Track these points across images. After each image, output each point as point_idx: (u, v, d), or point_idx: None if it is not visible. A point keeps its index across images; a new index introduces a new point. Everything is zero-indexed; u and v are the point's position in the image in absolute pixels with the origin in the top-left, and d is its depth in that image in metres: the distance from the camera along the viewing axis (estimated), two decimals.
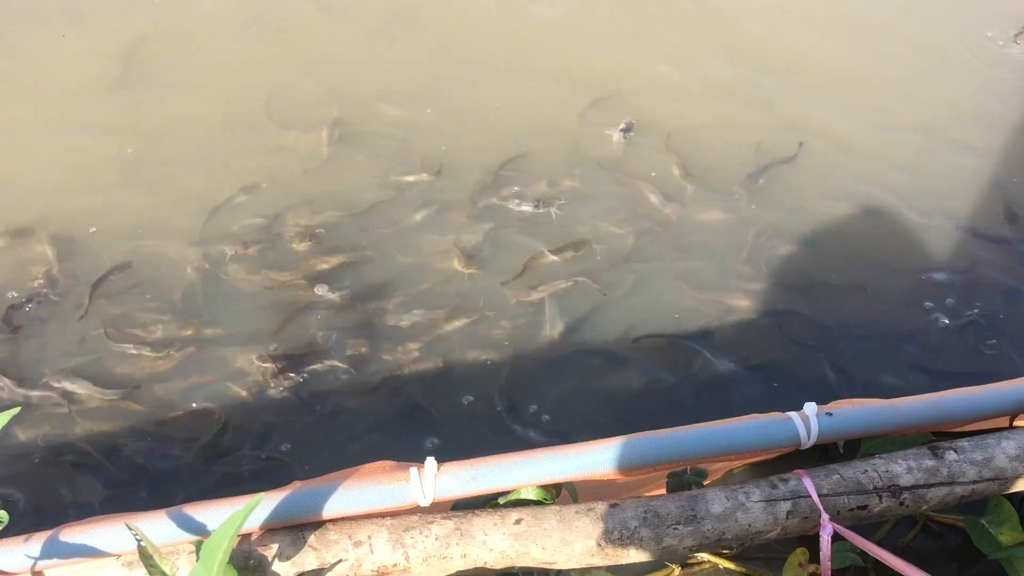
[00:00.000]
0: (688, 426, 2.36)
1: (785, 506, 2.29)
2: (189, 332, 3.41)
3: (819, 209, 4.10)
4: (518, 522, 2.20)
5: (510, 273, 3.70)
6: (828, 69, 4.97)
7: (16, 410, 2.04)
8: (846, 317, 3.63)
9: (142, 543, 1.94)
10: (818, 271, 3.83)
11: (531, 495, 2.32)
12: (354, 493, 2.14)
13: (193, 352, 3.36)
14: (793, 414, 2.43)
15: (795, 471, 2.39)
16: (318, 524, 2.17)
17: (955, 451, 2.43)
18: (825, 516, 2.28)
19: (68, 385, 3.19)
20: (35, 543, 2.02)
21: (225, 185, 4.01)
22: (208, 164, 4.15)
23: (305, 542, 2.14)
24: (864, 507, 2.34)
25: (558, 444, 2.30)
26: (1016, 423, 2.67)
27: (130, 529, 1.96)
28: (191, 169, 4.12)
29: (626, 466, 2.27)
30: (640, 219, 3.99)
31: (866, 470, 2.38)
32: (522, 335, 3.49)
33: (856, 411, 2.45)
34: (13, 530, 2.06)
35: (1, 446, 2.99)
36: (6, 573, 2.02)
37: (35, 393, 3.17)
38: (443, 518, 2.21)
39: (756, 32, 5.21)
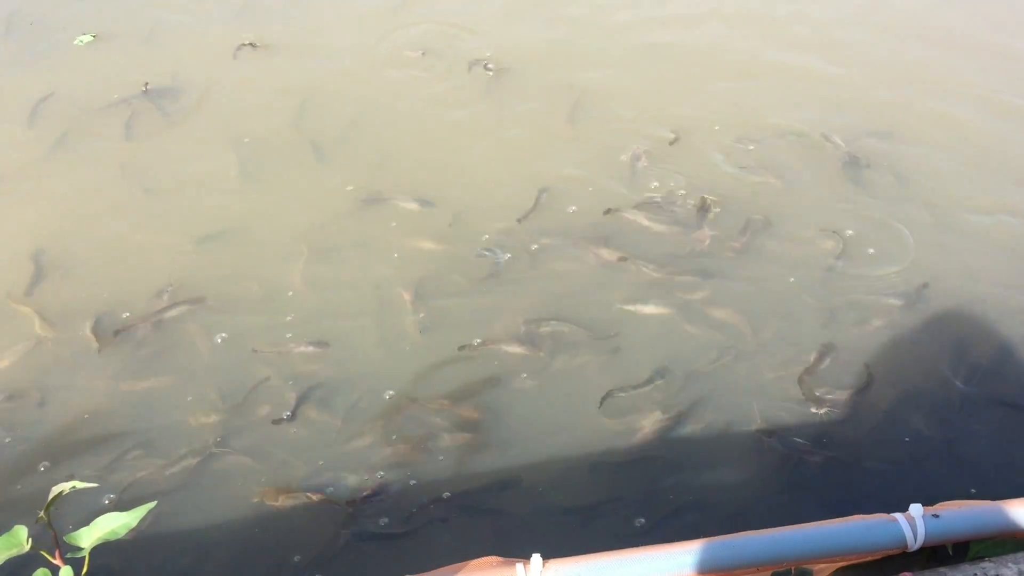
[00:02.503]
0: (793, 527, 2.38)
1: None
2: None
3: None
4: None
5: None
6: None
7: (152, 504, 2.17)
8: None
9: None
10: None
11: None
12: None
13: None
14: (899, 516, 2.42)
15: (903, 573, 2.37)
16: None
17: None
18: None
19: None
20: None
21: None
22: None
23: None
24: None
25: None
26: None
27: None
28: None
29: (731, 566, 2.29)
30: None
31: (975, 573, 2.35)
32: None
33: (963, 512, 2.43)
34: None
35: None
36: None
37: None
38: None
39: None
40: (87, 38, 6.11)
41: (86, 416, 3.61)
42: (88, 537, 2.07)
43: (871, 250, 4.28)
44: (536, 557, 2.25)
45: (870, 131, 5.08)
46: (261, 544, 3.14)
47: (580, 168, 4.84)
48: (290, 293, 4.10)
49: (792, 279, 4.13)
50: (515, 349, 3.78)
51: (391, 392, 3.64)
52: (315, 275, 4.19)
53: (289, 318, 3.97)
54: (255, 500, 3.27)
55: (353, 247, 4.36)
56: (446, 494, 3.25)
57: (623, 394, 3.61)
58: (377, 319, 3.97)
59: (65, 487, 2.03)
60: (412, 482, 3.31)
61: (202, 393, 3.68)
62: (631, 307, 3.97)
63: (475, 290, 4.10)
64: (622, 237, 4.37)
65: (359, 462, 3.39)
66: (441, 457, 3.41)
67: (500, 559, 2.32)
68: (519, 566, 2.25)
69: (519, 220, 4.43)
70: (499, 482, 3.31)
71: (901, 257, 4.24)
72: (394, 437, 3.47)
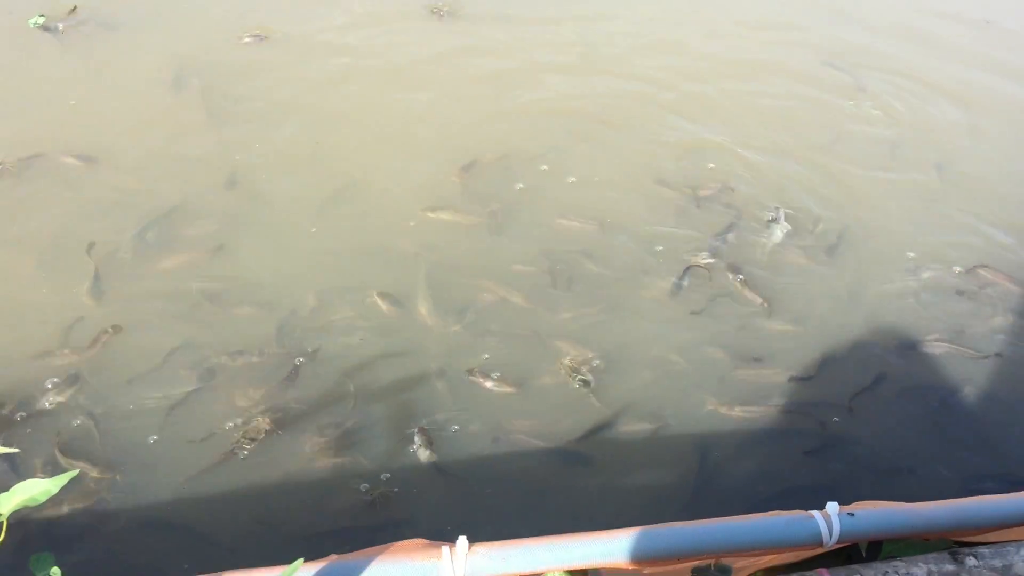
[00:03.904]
0: (712, 519, 2.43)
1: None
2: None
3: None
4: None
5: None
6: None
7: (74, 472, 2.15)
8: None
9: None
10: None
11: None
12: (387, 568, 2.22)
13: None
14: (816, 513, 2.48)
15: (817, 569, 2.43)
16: None
17: (975, 557, 2.48)
18: None
19: None
20: None
21: None
22: None
23: None
24: None
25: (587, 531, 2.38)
26: None
27: None
28: None
29: (650, 556, 2.33)
30: None
31: (887, 571, 2.43)
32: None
33: (878, 513, 2.51)
34: None
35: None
36: None
37: None
38: None
39: None
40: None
41: None
42: (6, 503, 2.03)
43: None
44: (462, 539, 2.27)
45: None
46: None
47: None
48: None
49: None
50: None
51: None
52: None
53: None
54: None
55: None
56: None
57: None
58: None
59: None
60: None
61: None
62: None
63: None
64: None
65: None
66: None
67: (426, 541, 2.33)
68: (445, 548, 2.26)
69: None
70: None
71: None
72: None
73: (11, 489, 2.05)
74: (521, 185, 4.94)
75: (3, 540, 1.96)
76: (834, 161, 5.36)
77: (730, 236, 4.66)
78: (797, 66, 6.34)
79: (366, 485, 3.39)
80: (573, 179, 5.03)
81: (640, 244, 4.59)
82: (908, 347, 4.16)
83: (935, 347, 4.15)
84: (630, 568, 2.36)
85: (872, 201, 5.08)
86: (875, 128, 5.75)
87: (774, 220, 4.75)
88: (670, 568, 2.49)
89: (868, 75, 6.25)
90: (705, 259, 4.48)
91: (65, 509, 3.24)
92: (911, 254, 4.69)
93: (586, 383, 3.80)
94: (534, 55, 6.21)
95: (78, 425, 3.54)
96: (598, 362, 3.93)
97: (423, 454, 3.49)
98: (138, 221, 4.50)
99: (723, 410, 3.78)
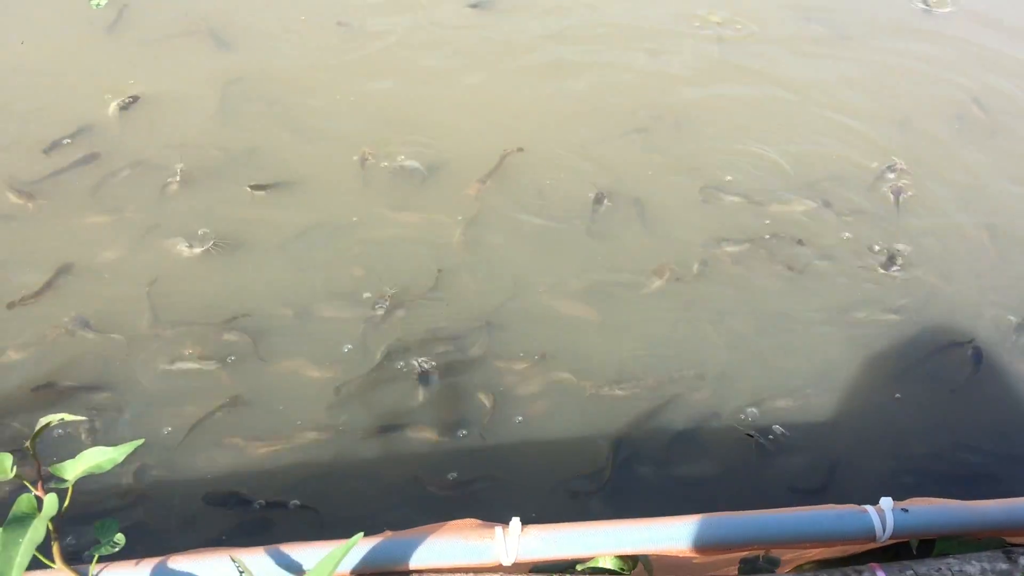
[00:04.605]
0: (764, 510, 2.43)
1: None
2: None
3: None
4: None
5: None
6: None
7: (140, 441, 2.19)
8: None
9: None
10: None
11: (609, 564, 2.39)
12: (441, 546, 2.24)
13: None
14: (869, 508, 2.47)
15: (870, 564, 2.42)
16: (404, 574, 2.27)
17: None
18: None
19: None
20: (145, 568, 2.16)
21: None
22: None
23: None
24: None
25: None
26: None
27: (234, 562, 2.08)
28: None
29: (702, 544, 2.33)
30: None
31: (940, 568, 2.41)
32: None
33: (932, 509, 2.49)
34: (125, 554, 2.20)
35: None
36: None
37: None
38: None
39: None
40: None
41: None
42: (72, 469, 2.08)
43: None
44: (515, 521, 2.28)
45: None
46: None
47: None
48: None
49: None
50: None
51: None
52: None
53: None
54: None
55: None
56: None
57: None
58: None
59: (53, 418, 2.05)
60: None
61: None
62: None
63: None
64: None
65: None
66: None
67: (479, 522, 2.35)
68: (498, 529, 2.28)
69: None
70: None
71: None
72: None
73: (77, 456, 2.09)
74: None
75: (67, 506, 2.00)
76: None
77: None
78: None
79: None
80: None
81: None
82: None
83: None
84: (681, 556, 2.37)
85: None
86: None
87: None
88: (720, 557, 2.49)
89: None
90: None
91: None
92: None
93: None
94: None
95: None
96: None
97: None
98: None
99: None
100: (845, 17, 6.54)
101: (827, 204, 4.78)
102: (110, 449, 2.13)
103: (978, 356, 4.20)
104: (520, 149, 4.91)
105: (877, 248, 4.59)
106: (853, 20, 6.50)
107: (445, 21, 6.11)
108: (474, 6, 6.19)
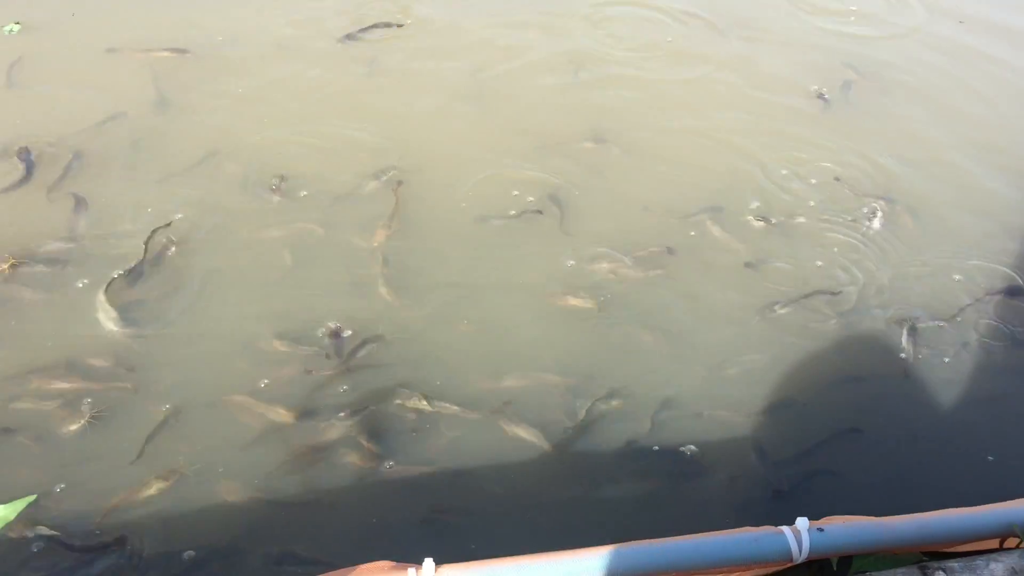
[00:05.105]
0: (681, 537, 2.42)
1: None
2: None
3: None
4: None
5: None
6: None
7: (31, 498, 2.12)
8: None
9: None
10: None
11: None
12: None
13: None
14: (785, 529, 2.48)
15: None
16: None
17: (944, 571, 2.47)
18: None
19: None
20: None
21: None
22: None
23: None
24: None
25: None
26: (1006, 545, 2.71)
27: None
28: None
29: (621, 574, 2.32)
30: None
31: None
32: None
33: (847, 528, 2.51)
34: None
35: None
36: None
37: None
38: None
39: None
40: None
41: None
42: None
43: None
44: (428, 561, 2.24)
45: None
46: None
47: None
48: None
49: None
50: None
51: None
52: None
53: None
54: None
55: None
56: None
57: None
58: None
59: None
60: None
61: None
62: None
63: None
64: None
65: None
66: None
67: (392, 563, 2.30)
68: (411, 571, 2.24)
69: None
70: None
71: None
72: None
73: None
74: None
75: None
76: None
77: None
78: None
79: None
80: None
81: None
82: None
83: None
84: None
85: None
86: None
87: None
88: None
89: None
90: None
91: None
92: None
93: None
94: None
95: None
96: None
97: None
98: None
99: None
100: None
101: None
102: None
103: None
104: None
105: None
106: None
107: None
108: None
